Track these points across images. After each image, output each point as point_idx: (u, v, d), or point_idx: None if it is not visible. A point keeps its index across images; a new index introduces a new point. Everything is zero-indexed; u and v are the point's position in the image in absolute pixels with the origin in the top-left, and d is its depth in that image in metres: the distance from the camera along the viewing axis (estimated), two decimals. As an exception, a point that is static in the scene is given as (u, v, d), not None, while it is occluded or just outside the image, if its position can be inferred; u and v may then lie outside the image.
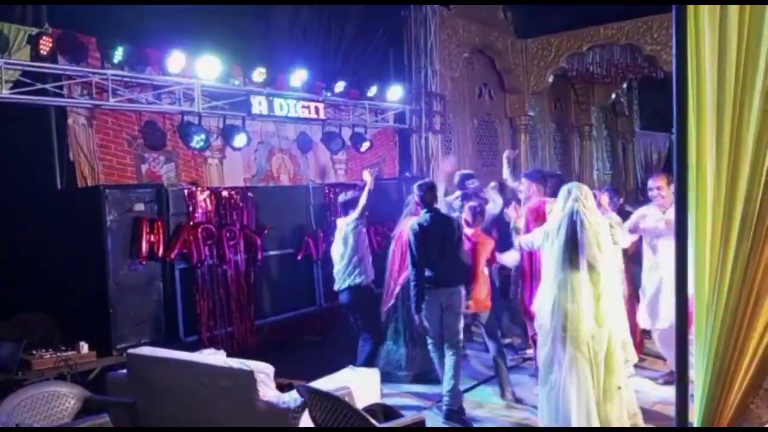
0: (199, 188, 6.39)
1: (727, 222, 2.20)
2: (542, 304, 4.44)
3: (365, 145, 8.59)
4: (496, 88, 10.97)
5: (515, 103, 11.06)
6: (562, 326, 4.23)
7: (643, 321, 5.67)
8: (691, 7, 2.22)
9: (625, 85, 13.49)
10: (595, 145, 13.66)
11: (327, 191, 7.59)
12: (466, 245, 5.46)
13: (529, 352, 6.36)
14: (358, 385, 4.05)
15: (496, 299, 5.93)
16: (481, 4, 10.22)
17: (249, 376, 3.71)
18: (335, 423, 3.20)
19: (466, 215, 5.67)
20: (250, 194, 6.75)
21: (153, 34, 6.56)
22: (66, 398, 3.79)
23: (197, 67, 6.49)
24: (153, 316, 5.85)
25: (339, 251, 5.86)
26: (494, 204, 6.84)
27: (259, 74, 7.10)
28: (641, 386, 5.39)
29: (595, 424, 4.15)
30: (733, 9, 2.15)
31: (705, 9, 2.20)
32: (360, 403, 3.62)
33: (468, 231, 5.56)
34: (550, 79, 10.92)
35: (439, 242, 5.13)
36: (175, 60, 6.27)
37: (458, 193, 6.81)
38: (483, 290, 5.51)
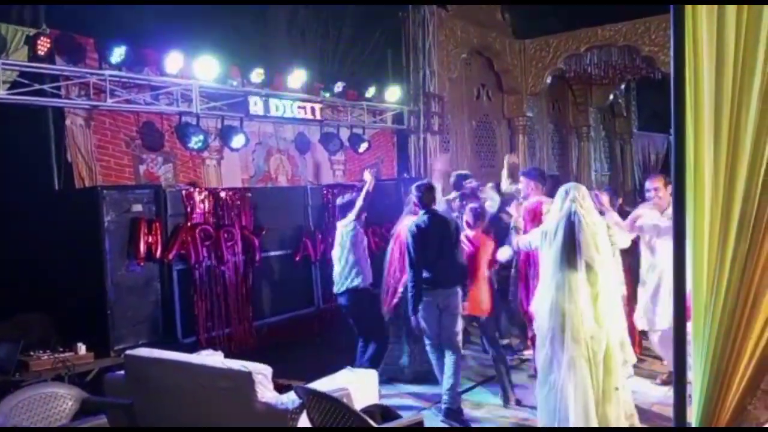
0: (197, 189, 6.38)
1: (725, 222, 2.20)
2: (540, 304, 4.44)
3: (363, 146, 8.59)
4: (494, 89, 10.98)
5: (513, 104, 11.07)
6: (560, 327, 4.22)
7: (641, 322, 5.66)
8: (688, 8, 2.21)
9: (623, 86, 13.50)
10: (593, 145, 13.65)
11: (325, 192, 7.59)
12: (469, 248, 5.41)
13: (527, 353, 6.36)
14: (357, 386, 4.04)
15: (495, 301, 5.91)
16: (479, 5, 10.23)
17: (247, 378, 3.70)
18: (333, 424, 3.19)
19: (467, 217, 5.61)
20: (248, 195, 6.74)
21: (151, 34, 6.58)
22: (63, 399, 3.78)
23: (195, 68, 6.49)
24: (151, 317, 5.85)
25: (337, 254, 5.85)
26: (493, 202, 6.83)
27: (257, 75, 7.10)
28: (639, 386, 5.39)
29: (594, 424, 4.14)
30: (731, 9, 2.15)
31: (703, 9, 2.20)
32: (358, 404, 3.61)
33: (469, 233, 5.52)
34: (548, 80, 10.93)
35: (436, 243, 5.12)
36: (173, 61, 6.27)
37: (456, 193, 6.81)
38: (484, 293, 5.44)
